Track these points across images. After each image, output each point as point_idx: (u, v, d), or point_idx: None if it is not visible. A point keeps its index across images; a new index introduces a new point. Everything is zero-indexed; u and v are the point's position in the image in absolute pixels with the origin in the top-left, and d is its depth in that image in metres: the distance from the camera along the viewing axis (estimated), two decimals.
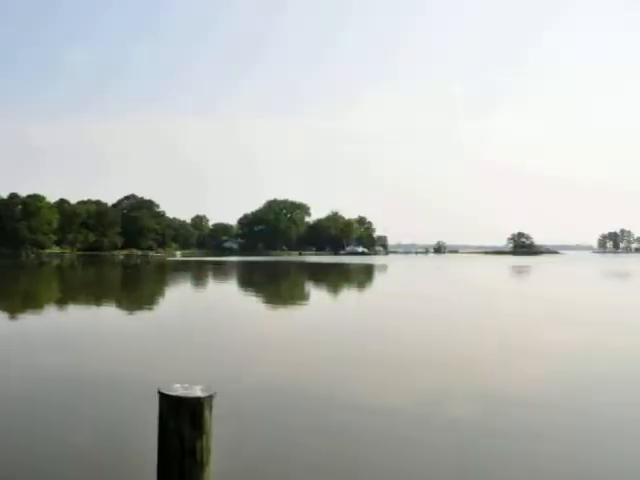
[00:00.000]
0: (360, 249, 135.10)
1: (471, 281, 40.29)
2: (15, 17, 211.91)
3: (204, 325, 15.36)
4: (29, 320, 16.37)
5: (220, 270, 52.25)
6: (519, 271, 56.23)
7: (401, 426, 6.60)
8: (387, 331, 14.29)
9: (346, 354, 11.03)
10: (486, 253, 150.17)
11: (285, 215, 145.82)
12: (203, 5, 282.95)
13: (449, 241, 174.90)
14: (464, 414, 7.08)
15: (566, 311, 19.67)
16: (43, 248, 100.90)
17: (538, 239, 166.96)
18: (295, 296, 27.10)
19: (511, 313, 18.90)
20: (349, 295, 29.50)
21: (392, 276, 50.27)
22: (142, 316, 18.03)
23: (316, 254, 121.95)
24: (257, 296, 26.91)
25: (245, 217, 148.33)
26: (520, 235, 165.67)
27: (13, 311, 18.18)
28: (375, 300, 25.86)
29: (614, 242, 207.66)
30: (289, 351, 11.38)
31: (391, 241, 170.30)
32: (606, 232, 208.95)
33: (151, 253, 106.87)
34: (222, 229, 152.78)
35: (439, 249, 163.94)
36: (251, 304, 22.66)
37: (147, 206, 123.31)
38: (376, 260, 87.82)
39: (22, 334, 13.30)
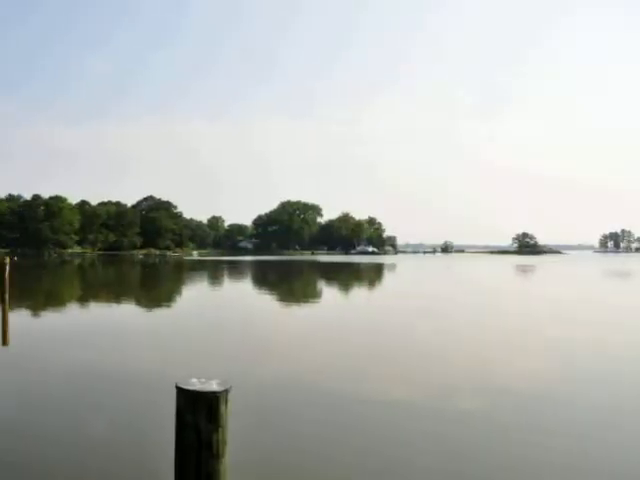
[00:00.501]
0: (370, 249, 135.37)
1: (479, 280, 40.39)
2: (38, 26, 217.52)
3: (220, 322, 15.56)
4: (51, 317, 16.76)
5: (236, 269, 52.65)
6: (526, 270, 55.94)
7: (414, 420, 6.66)
8: (398, 329, 14.32)
9: (358, 350, 11.11)
10: (492, 253, 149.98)
11: (298, 216, 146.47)
12: (219, 11, 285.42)
13: (451, 241, 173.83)
14: (476, 408, 7.12)
15: (571, 311, 19.55)
16: (65, 248, 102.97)
17: (540, 239, 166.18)
18: (308, 294, 27.23)
19: (519, 313, 18.76)
20: (361, 293, 29.48)
21: (402, 275, 50.07)
22: (161, 313, 18.36)
23: (328, 254, 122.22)
24: (271, 294, 27.09)
25: (259, 218, 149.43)
26: (524, 235, 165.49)
27: (36, 309, 18.66)
28: (385, 299, 25.79)
29: (615, 242, 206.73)
30: (303, 347, 11.50)
31: (400, 241, 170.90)
32: (607, 232, 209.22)
33: (169, 253, 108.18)
34: (237, 229, 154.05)
35: (446, 249, 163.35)
36: (266, 302, 22.83)
37: (165, 207, 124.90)
38: (386, 260, 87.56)
39: (44, 331, 13.61)
